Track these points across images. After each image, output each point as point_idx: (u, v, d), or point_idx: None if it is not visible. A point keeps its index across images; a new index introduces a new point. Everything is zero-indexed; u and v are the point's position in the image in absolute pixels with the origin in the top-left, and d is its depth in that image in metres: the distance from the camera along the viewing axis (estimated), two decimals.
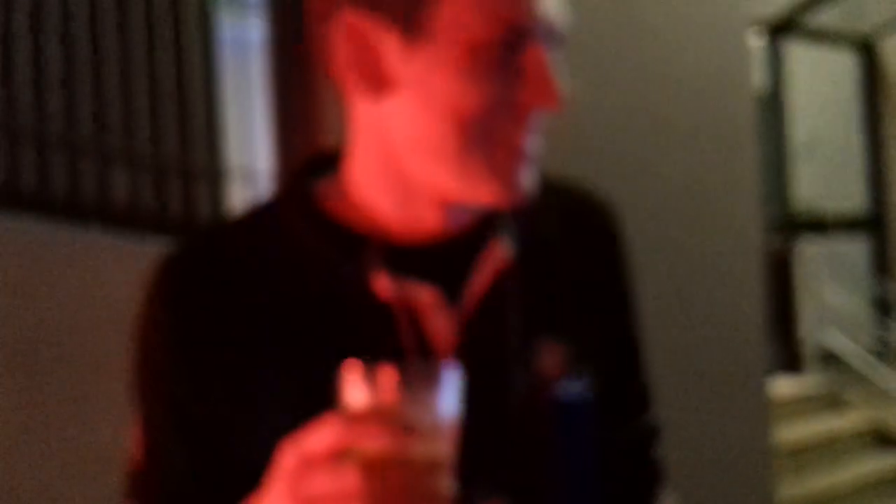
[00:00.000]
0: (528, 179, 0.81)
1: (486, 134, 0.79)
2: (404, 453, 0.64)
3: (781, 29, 7.13)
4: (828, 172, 7.44)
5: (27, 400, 2.12)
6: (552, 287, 0.89)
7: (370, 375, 0.67)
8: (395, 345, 0.81)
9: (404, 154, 0.82)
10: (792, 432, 5.41)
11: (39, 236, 2.09)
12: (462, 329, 0.83)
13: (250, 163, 2.67)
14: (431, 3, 0.77)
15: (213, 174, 2.49)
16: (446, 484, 0.66)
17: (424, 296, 0.82)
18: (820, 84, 7.51)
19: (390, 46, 0.79)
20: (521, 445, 0.84)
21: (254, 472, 0.73)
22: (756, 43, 7.01)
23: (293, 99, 1.89)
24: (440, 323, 0.83)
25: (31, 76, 2.33)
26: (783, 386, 5.83)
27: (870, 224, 7.71)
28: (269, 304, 0.83)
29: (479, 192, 0.81)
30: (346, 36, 0.80)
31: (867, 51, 7.74)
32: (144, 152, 2.42)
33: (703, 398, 2.73)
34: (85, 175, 2.31)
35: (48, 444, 2.16)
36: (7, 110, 2.27)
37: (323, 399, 0.69)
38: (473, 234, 0.86)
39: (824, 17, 7.21)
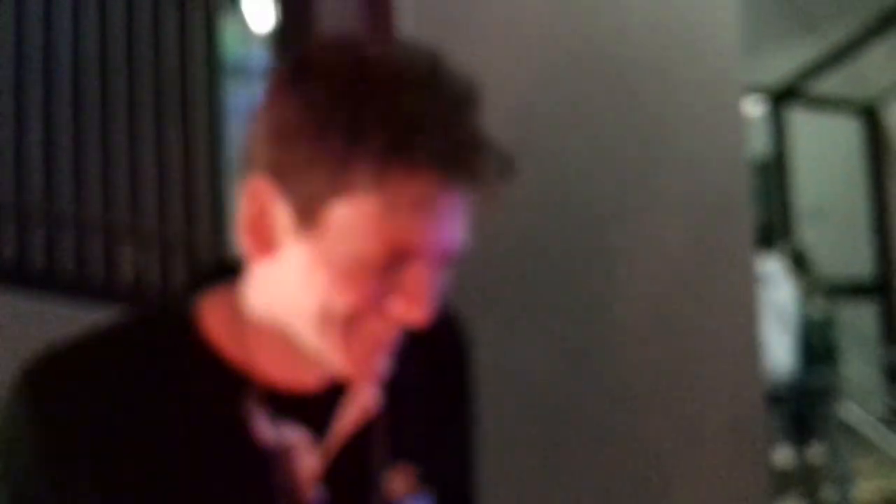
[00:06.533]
0: (383, 363, 0.85)
1: (352, 328, 0.81)
2: None
3: (784, 96, 7.20)
4: (834, 238, 7.44)
5: None
6: (408, 417, 0.95)
7: None
8: (268, 485, 0.86)
9: (283, 316, 0.85)
10: (803, 503, 5.34)
11: (47, 314, 2.12)
12: (327, 466, 0.89)
13: None
14: (327, 203, 0.78)
15: (218, 251, 2.53)
16: None
17: (295, 439, 0.88)
18: (824, 150, 7.56)
19: (285, 222, 0.81)
20: None
21: None
22: (757, 110, 7.08)
23: None
24: (307, 463, 0.88)
25: (42, 155, 2.40)
26: (794, 456, 5.77)
27: (877, 289, 7.70)
28: (141, 437, 0.84)
29: (336, 368, 0.85)
30: (251, 196, 0.82)
31: (870, 116, 7.81)
32: (150, 230, 2.47)
33: (703, 474, 2.71)
34: (92, 252, 2.36)
35: None
36: (17, 189, 2.32)
37: None
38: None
39: (827, 84, 7.28)
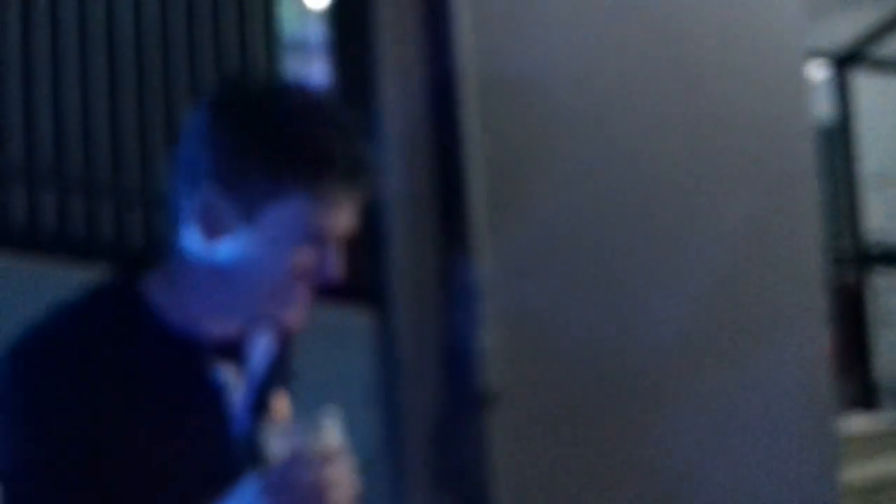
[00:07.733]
0: (303, 315, 1.19)
1: (285, 290, 1.16)
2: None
3: (848, 60, 7.05)
4: None
5: None
6: (279, 359, 1.31)
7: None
8: (224, 415, 1.20)
9: (233, 283, 1.16)
10: (866, 470, 5.28)
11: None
12: (249, 390, 1.24)
13: None
14: (264, 206, 1.12)
15: None
16: None
17: (232, 376, 1.22)
18: (890, 114, 7.40)
19: (230, 218, 1.13)
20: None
21: None
22: (821, 75, 6.94)
23: None
24: (238, 394, 1.23)
25: (108, 131, 2.45)
26: (857, 423, 5.70)
27: None
28: (115, 389, 1.11)
29: (267, 320, 1.18)
30: (203, 199, 1.12)
31: None
32: None
33: (770, 439, 2.71)
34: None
35: None
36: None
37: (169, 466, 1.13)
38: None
39: (892, 47, 7.12)
